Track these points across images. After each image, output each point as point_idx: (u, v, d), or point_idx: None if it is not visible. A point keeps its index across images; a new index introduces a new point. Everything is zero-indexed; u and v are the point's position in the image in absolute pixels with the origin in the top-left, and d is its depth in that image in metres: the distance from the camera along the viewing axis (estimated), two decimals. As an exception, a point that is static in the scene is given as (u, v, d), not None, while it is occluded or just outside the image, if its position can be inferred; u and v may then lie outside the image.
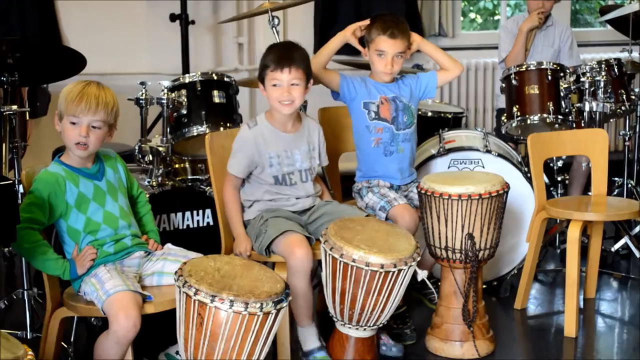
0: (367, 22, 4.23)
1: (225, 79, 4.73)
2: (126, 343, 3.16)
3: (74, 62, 4.05)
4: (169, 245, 3.59)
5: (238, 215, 3.87)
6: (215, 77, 4.70)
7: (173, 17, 6.03)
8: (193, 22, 6.11)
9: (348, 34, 4.24)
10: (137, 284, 3.29)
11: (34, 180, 3.35)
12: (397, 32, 4.15)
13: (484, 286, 4.34)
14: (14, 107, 3.94)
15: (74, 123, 3.33)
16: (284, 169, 3.87)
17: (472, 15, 8.03)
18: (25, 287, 4.05)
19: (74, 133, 3.33)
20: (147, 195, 3.82)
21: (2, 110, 3.95)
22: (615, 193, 5.38)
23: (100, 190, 3.44)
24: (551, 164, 5.33)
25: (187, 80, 4.61)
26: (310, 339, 3.78)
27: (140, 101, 4.39)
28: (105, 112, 3.37)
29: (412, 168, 4.35)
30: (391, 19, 4.21)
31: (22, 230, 3.21)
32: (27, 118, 4.57)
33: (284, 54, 3.83)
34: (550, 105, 5.00)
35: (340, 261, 3.45)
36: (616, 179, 5.40)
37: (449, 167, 4.58)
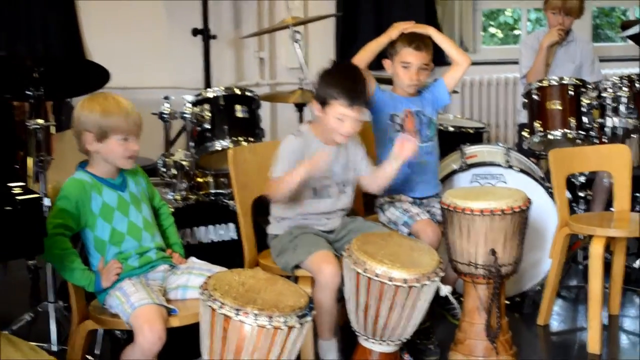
0: (411, 23, 4.27)
1: (248, 93, 4.75)
2: (151, 356, 3.18)
3: (98, 76, 4.08)
4: (193, 259, 3.61)
5: (287, 175, 3.72)
6: (238, 92, 4.72)
7: (195, 32, 6.06)
8: (215, 37, 6.13)
9: (394, 34, 4.24)
10: (161, 297, 3.32)
11: (62, 187, 3.39)
12: (422, 45, 4.18)
13: (507, 302, 4.34)
14: (40, 121, 3.97)
15: (125, 140, 3.40)
16: (323, 181, 3.86)
17: (492, 30, 8.04)
18: (51, 300, 4.09)
19: (123, 148, 3.40)
20: (172, 209, 3.85)
21: (28, 124, 3.99)
22: (638, 209, 5.37)
23: (124, 201, 3.48)
24: (573, 180, 5.33)
25: (210, 95, 4.64)
26: (330, 352, 3.80)
27: (164, 115, 4.43)
28: (141, 123, 3.48)
29: (436, 180, 4.36)
30: (415, 32, 4.24)
31: (54, 236, 3.25)
32: (53, 132, 4.60)
33: (357, 92, 3.78)
34: (572, 120, 4.99)
35: (363, 276, 3.45)
36: (638, 194, 5.38)
37: (470, 183, 4.59)
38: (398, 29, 4.25)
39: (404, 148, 3.81)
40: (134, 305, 3.22)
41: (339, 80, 3.81)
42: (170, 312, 3.28)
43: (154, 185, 3.76)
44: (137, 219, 3.49)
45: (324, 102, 3.80)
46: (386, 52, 4.27)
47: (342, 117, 3.75)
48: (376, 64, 4.37)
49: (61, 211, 3.32)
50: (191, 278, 3.46)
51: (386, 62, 4.28)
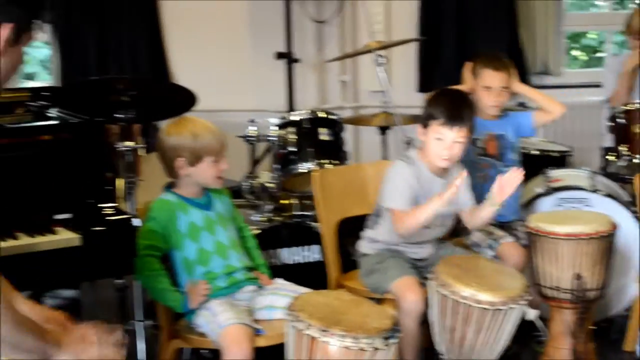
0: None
1: (332, 116, 4.79)
2: None
3: (185, 100, 4.14)
4: (278, 280, 3.65)
5: (419, 210, 3.68)
6: (322, 115, 4.76)
7: (279, 55, 6.11)
8: (298, 60, 6.17)
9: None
10: (249, 318, 3.36)
11: (150, 208, 3.49)
12: (501, 66, 4.21)
13: (593, 327, 4.29)
14: (130, 143, 4.05)
15: (216, 162, 3.49)
16: None
17: (576, 52, 7.98)
18: (139, 318, 4.14)
19: (215, 169, 3.51)
20: (257, 231, 3.89)
21: (118, 146, 4.06)
22: None
23: (210, 220, 3.54)
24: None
25: (295, 118, 4.69)
26: None
27: (250, 138, 4.49)
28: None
29: (518, 205, 4.34)
30: (493, 53, 4.25)
31: (144, 257, 3.34)
32: (141, 154, 4.68)
33: (456, 112, 3.71)
34: (659, 144, 4.94)
35: (449, 298, 3.44)
36: None
37: (555, 207, 4.54)
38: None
39: (503, 192, 3.70)
40: (221, 324, 3.26)
41: (441, 101, 3.78)
42: (257, 332, 3.32)
43: (238, 207, 3.81)
44: (223, 237, 3.55)
45: (425, 124, 3.77)
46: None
47: (441, 136, 3.70)
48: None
49: (149, 232, 3.40)
50: (277, 299, 3.49)
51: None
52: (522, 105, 5.69)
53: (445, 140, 3.71)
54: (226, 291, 3.47)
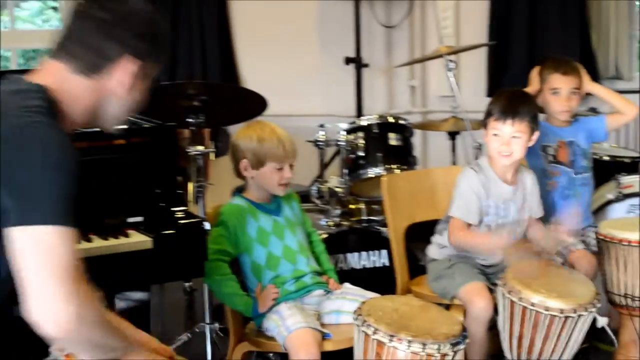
0: None
1: (401, 121, 4.78)
2: None
3: (255, 104, 4.18)
4: (346, 285, 3.67)
5: (481, 237, 3.73)
6: (392, 120, 4.76)
7: (348, 61, 6.12)
8: (367, 65, 6.18)
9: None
10: (316, 322, 3.38)
11: (220, 212, 3.53)
12: (569, 69, 4.15)
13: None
14: (200, 147, 4.10)
15: (280, 169, 3.51)
16: (499, 220, 3.79)
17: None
18: (208, 321, 4.19)
19: (278, 176, 3.52)
20: (325, 235, 3.91)
21: (189, 150, 4.12)
22: None
23: (279, 225, 3.58)
24: None
25: (364, 123, 4.69)
26: None
27: (319, 143, 4.51)
28: (296, 151, 3.57)
29: (589, 212, 4.30)
30: (561, 57, 4.22)
31: (213, 262, 3.38)
32: (211, 158, 4.73)
33: (510, 105, 3.70)
34: None
35: (518, 305, 3.42)
36: None
37: (627, 213, 4.50)
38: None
39: (563, 230, 3.66)
40: (290, 328, 3.29)
41: (497, 97, 3.79)
42: (324, 337, 3.34)
43: (307, 212, 3.84)
44: (292, 242, 3.58)
45: (485, 123, 3.78)
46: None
47: (498, 132, 3.70)
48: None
49: (219, 237, 3.45)
50: (345, 303, 3.51)
51: (534, 94, 4.17)
52: (593, 111, 5.65)
53: (502, 136, 3.69)
54: (294, 295, 3.49)
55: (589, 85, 4.28)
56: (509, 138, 3.69)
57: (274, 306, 3.42)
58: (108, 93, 2.34)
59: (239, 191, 3.67)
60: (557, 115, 4.21)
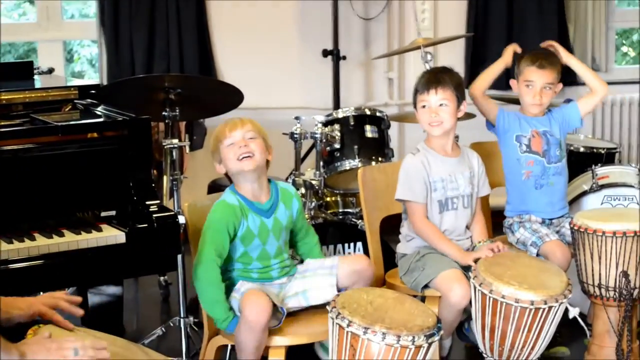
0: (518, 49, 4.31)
1: (378, 114, 4.81)
2: (259, 329, 3.26)
3: (232, 97, 4.17)
4: (307, 261, 3.68)
5: (442, 237, 3.84)
6: (368, 112, 4.79)
7: (325, 53, 6.12)
8: (344, 58, 6.18)
9: (509, 59, 4.27)
10: (276, 298, 3.41)
11: (213, 210, 3.49)
12: (546, 63, 4.16)
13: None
14: (175, 140, 4.08)
15: (232, 144, 3.47)
16: (448, 192, 3.87)
17: (625, 49, 7.91)
18: (182, 315, 4.19)
19: (234, 152, 3.46)
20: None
21: (163, 143, 4.11)
22: None
23: (265, 228, 3.53)
24: None
25: (340, 115, 4.71)
26: (446, 345, 3.96)
27: (295, 135, 4.51)
28: (252, 124, 3.53)
29: (564, 202, 4.32)
30: (541, 51, 4.24)
31: (208, 262, 3.36)
32: (186, 151, 4.73)
33: (432, 76, 3.89)
34: None
35: (489, 297, 3.45)
36: None
37: (602, 204, 4.52)
38: (509, 52, 4.28)
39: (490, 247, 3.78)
40: (242, 292, 3.36)
41: (421, 76, 3.98)
42: (280, 310, 3.36)
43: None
44: (272, 247, 3.55)
45: (415, 105, 3.97)
46: (514, 73, 4.28)
47: (425, 104, 3.87)
48: (505, 84, 4.40)
49: (214, 238, 3.41)
50: (306, 282, 3.54)
51: (513, 83, 4.30)
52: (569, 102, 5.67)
53: (429, 106, 3.85)
54: (256, 281, 3.51)
55: (566, 58, 4.29)
56: (436, 107, 3.84)
57: (234, 285, 3.47)
58: None
59: (214, 187, 3.63)
60: (528, 108, 4.23)
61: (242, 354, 3.33)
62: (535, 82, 4.16)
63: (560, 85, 4.26)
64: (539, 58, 4.18)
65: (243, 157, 3.47)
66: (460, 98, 3.88)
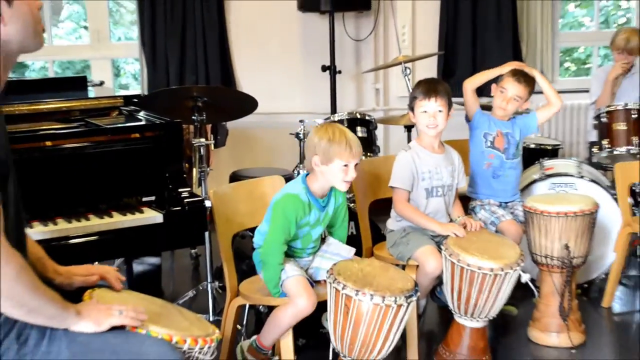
0: (523, 65, 4.26)
1: (367, 117, 4.79)
2: (302, 317, 3.22)
3: (248, 104, 4.15)
4: (329, 240, 3.55)
5: (421, 215, 3.80)
6: (359, 116, 4.77)
7: (324, 68, 6.11)
8: (340, 72, 6.18)
9: (506, 70, 4.21)
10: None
11: (287, 201, 3.30)
12: (523, 80, 4.13)
13: (578, 289, 4.29)
14: (202, 139, 4.08)
15: (345, 166, 3.28)
16: (434, 182, 3.83)
17: (567, 64, 7.91)
18: (209, 280, 4.20)
19: (344, 173, 3.28)
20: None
21: (193, 142, 4.12)
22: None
23: (318, 220, 3.40)
24: (634, 188, 5.19)
25: (336, 119, 4.70)
26: (422, 304, 4.03)
27: (300, 135, 4.52)
28: (360, 153, 3.34)
29: (516, 190, 4.32)
30: (524, 72, 4.18)
31: (277, 246, 3.25)
32: (212, 148, 4.72)
33: (431, 87, 3.81)
34: (635, 139, 4.88)
35: (457, 265, 3.46)
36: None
37: (548, 190, 4.52)
38: (511, 65, 4.22)
39: (458, 229, 3.71)
40: (288, 276, 3.25)
41: (416, 85, 3.91)
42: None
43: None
44: (316, 233, 3.42)
45: (412, 108, 3.89)
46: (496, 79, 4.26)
47: (425, 109, 3.80)
48: (487, 91, 4.40)
49: (285, 227, 3.27)
50: (323, 262, 3.46)
51: (493, 86, 4.26)
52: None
53: (429, 111, 3.79)
54: (293, 256, 3.43)
55: (533, 71, 4.26)
56: (434, 112, 3.79)
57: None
58: None
59: (305, 175, 3.41)
60: (495, 109, 4.22)
61: (277, 328, 3.26)
62: (508, 90, 4.14)
63: (528, 104, 4.24)
64: (519, 74, 4.16)
65: (346, 182, 3.31)
66: (450, 105, 3.83)
